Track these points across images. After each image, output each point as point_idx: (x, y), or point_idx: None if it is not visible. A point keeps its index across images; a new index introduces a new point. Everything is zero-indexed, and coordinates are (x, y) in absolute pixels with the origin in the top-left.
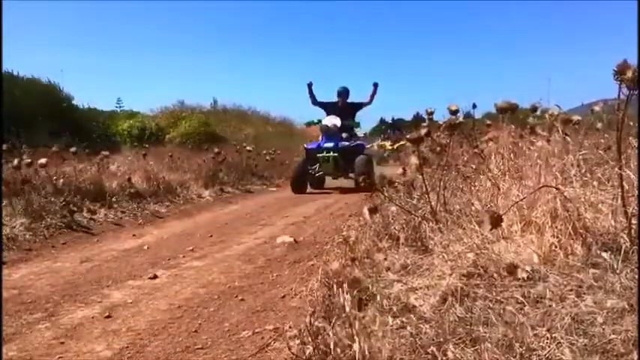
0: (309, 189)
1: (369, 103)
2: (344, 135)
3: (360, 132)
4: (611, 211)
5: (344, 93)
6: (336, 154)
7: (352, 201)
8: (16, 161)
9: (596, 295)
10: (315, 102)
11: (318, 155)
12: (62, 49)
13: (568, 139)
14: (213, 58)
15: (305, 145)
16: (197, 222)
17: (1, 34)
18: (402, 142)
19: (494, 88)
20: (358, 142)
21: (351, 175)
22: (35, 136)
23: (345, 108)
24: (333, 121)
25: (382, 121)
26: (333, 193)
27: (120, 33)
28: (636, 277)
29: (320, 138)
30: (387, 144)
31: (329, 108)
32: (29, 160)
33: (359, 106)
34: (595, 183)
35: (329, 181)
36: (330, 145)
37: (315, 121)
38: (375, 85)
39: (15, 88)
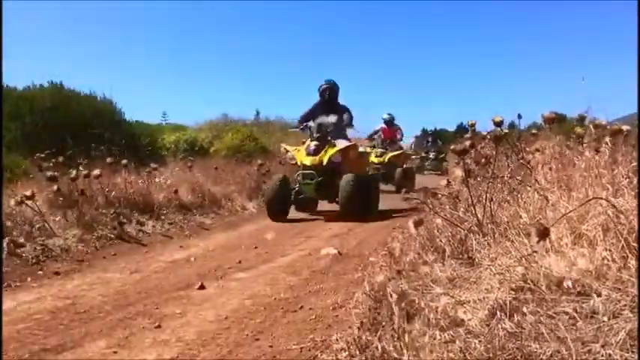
0: None
1: None
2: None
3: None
4: None
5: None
6: None
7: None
8: (74, 172)
9: None
10: None
11: None
12: (109, 64)
13: (617, 149)
14: (255, 71)
15: None
16: (242, 234)
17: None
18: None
19: (541, 98)
20: None
21: None
22: (90, 149)
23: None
24: None
25: (425, 132)
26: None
27: (164, 49)
28: None
29: None
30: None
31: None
32: (86, 172)
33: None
34: None
35: None
36: None
37: None
38: None
39: (72, 102)
